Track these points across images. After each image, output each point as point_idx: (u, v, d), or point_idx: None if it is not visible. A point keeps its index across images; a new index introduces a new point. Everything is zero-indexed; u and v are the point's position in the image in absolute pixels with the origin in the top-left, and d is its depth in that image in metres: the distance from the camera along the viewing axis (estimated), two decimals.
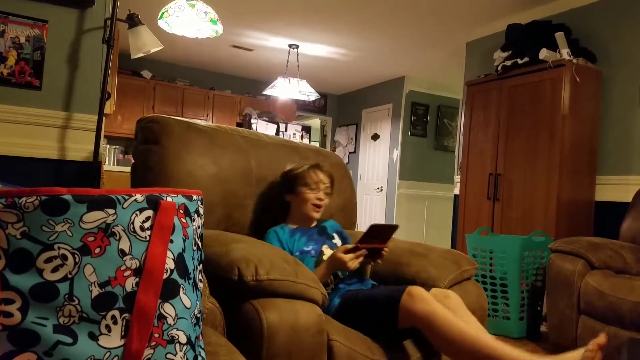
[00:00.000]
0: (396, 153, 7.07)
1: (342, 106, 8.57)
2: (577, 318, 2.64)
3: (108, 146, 6.15)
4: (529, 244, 3.14)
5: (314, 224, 1.91)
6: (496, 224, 3.84)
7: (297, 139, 7.16)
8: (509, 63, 3.83)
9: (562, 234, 3.30)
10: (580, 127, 3.53)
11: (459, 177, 4.50)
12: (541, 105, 3.58)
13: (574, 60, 3.49)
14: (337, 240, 1.90)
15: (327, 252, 1.79)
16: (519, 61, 3.75)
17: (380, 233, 1.62)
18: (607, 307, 2.47)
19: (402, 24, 4.86)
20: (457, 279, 1.81)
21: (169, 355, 0.82)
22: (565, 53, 3.52)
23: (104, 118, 2.25)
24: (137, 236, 0.80)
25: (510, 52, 3.88)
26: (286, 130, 7.20)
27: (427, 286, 1.71)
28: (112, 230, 0.78)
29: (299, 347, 1.29)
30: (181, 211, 0.87)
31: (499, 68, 3.92)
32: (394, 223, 1.85)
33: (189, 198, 0.90)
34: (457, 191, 4.60)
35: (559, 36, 3.59)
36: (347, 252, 1.61)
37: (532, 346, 2.94)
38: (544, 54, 3.56)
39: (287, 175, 1.91)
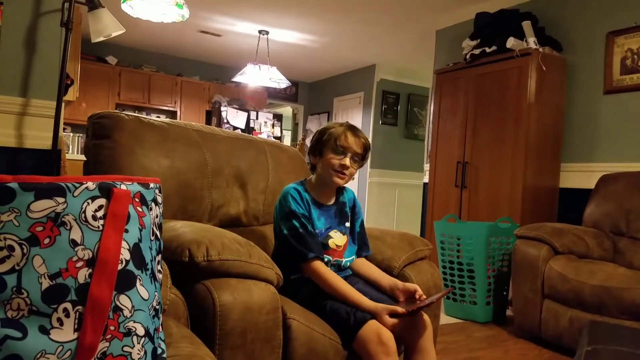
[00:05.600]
0: None
1: (314, 94, 8.53)
2: (541, 302, 2.70)
3: (71, 134, 5.98)
4: (495, 230, 3.19)
5: (332, 201, 1.78)
6: (464, 211, 3.89)
7: (269, 127, 7.10)
8: (477, 52, 3.86)
9: (528, 220, 3.36)
10: (546, 115, 3.59)
11: (428, 165, 4.54)
12: (508, 93, 3.63)
13: (540, 49, 3.54)
14: (348, 224, 1.81)
15: (334, 235, 1.73)
16: (487, 50, 3.79)
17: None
18: (570, 291, 2.53)
19: (371, 10, 4.84)
20: (411, 258, 1.91)
21: (125, 348, 0.79)
22: (531, 42, 3.56)
23: (65, 105, 2.17)
24: (89, 226, 0.76)
25: (479, 40, 3.91)
26: (257, 118, 7.11)
27: (383, 266, 1.84)
28: (62, 219, 0.75)
29: (254, 325, 1.31)
30: (137, 199, 0.84)
31: (468, 56, 3.95)
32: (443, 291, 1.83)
33: (146, 186, 0.87)
34: (426, 179, 4.64)
35: (526, 25, 3.64)
36: (391, 314, 1.50)
37: (497, 330, 3.00)
38: (511, 42, 3.59)
39: (318, 134, 1.73)
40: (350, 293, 1.55)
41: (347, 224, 1.80)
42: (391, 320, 1.48)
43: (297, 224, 1.62)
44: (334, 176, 1.68)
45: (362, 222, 1.88)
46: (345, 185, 1.84)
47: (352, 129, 1.70)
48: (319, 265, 1.60)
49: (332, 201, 1.79)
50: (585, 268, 2.56)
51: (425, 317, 1.58)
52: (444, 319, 3.14)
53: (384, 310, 1.50)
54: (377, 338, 1.43)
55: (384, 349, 1.42)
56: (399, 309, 1.49)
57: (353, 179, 1.78)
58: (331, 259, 1.72)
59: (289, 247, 1.61)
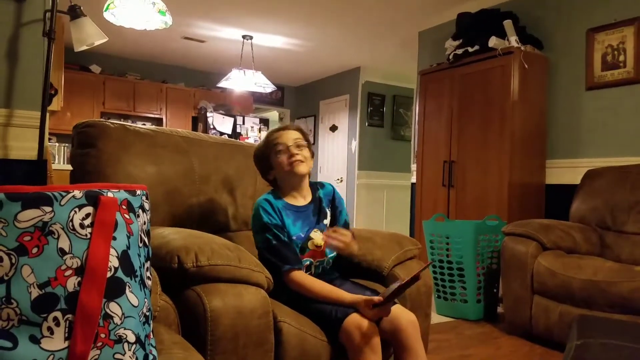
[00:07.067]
0: (354, 144, 7.11)
1: (300, 98, 8.54)
2: (531, 298, 2.72)
3: (57, 144, 5.94)
4: (483, 228, 3.22)
5: (308, 200, 1.78)
6: (452, 210, 3.92)
7: (256, 132, 7.08)
8: (460, 52, 3.90)
9: (515, 217, 3.40)
10: (530, 113, 3.63)
11: (415, 165, 4.57)
12: (492, 92, 3.67)
13: (522, 48, 3.59)
14: (327, 220, 1.80)
15: (314, 236, 1.73)
16: (470, 49, 3.82)
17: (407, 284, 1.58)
18: (559, 286, 2.56)
19: (355, 14, 4.87)
20: (401, 258, 1.92)
21: (117, 355, 0.79)
22: (513, 40, 3.61)
23: (50, 115, 2.16)
24: (77, 234, 0.77)
25: (461, 40, 3.95)
26: (243, 123, 7.09)
27: (373, 266, 1.86)
28: (50, 228, 0.75)
29: (245, 329, 1.31)
30: (124, 207, 0.84)
31: (451, 57, 3.98)
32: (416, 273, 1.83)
33: (132, 193, 0.87)
34: (414, 179, 4.66)
35: (507, 24, 3.68)
36: (373, 305, 1.51)
37: (489, 327, 3.03)
38: (493, 41, 3.64)
39: (256, 156, 1.80)
40: (330, 292, 1.58)
41: (326, 221, 1.80)
42: (371, 311, 1.51)
43: (269, 237, 1.63)
44: (293, 167, 1.69)
45: (346, 215, 1.88)
46: (326, 182, 1.89)
47: (278, 129, 1.77)
48: (295, 275, 1.61)
49: (308, 200, 1.78)
50: (573, 263, 2.59)
51: (411, 315, 1.59)
52: (435, 318, 3.16)
53: (362, 302, 1.52)
54: (358, 330, 1.46)
55: (366, 340, 1.45)
56: (376, 298, 1.52)
57: (311, 166, 1.79)
58: (313, 260, 1.72)
59: (265, 260, 1.61)
